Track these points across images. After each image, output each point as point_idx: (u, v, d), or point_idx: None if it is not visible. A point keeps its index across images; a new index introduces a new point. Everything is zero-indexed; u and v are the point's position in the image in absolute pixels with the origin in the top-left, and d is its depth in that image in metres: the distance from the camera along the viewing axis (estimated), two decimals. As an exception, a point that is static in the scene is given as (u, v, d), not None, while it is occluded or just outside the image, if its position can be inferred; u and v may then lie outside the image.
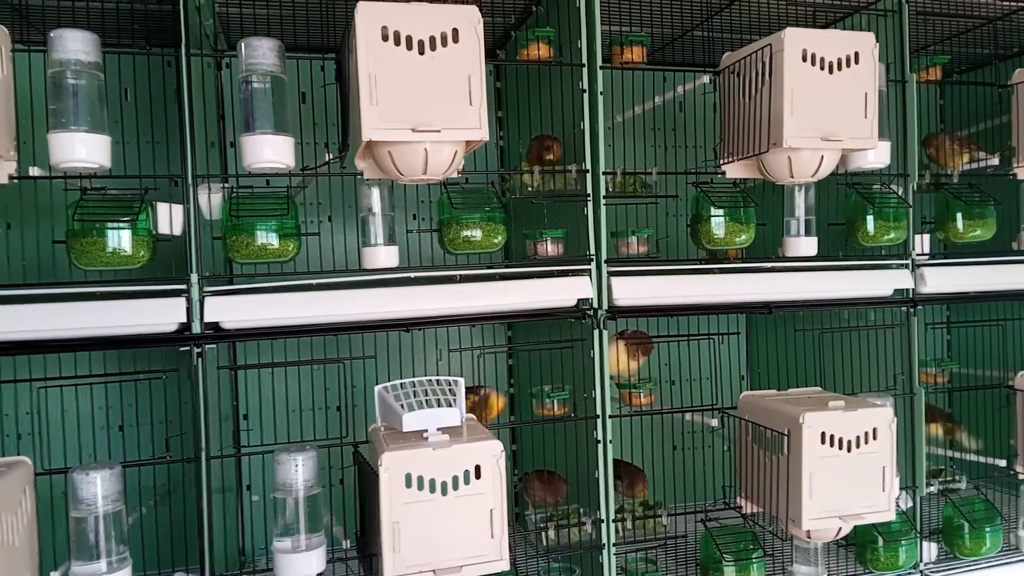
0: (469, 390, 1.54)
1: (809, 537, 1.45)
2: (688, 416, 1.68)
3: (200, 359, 1.31)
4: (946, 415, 1.95)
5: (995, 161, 1.75)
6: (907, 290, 1.66)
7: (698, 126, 1.96)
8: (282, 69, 1.29)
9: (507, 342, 1.99)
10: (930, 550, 1.70)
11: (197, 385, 1.31)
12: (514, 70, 1.86)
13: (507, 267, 1.51)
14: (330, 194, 1.76)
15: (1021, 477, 1.79)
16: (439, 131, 1.19)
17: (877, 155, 1.55)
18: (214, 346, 1.36)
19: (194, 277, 1.30)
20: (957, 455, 1.93)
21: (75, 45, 1.20)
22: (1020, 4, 1.75)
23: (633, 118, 1.69)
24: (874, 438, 1.41)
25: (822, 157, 1.40)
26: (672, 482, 1.83)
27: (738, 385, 2.18)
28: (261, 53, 1.27)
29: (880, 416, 1.41)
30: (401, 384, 1.32)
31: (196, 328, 1.30)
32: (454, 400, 1.30)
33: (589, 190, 1.49)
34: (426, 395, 1.30)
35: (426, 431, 1.25)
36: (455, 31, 1.20)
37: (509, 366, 2.01)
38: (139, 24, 1.48)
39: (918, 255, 1.67)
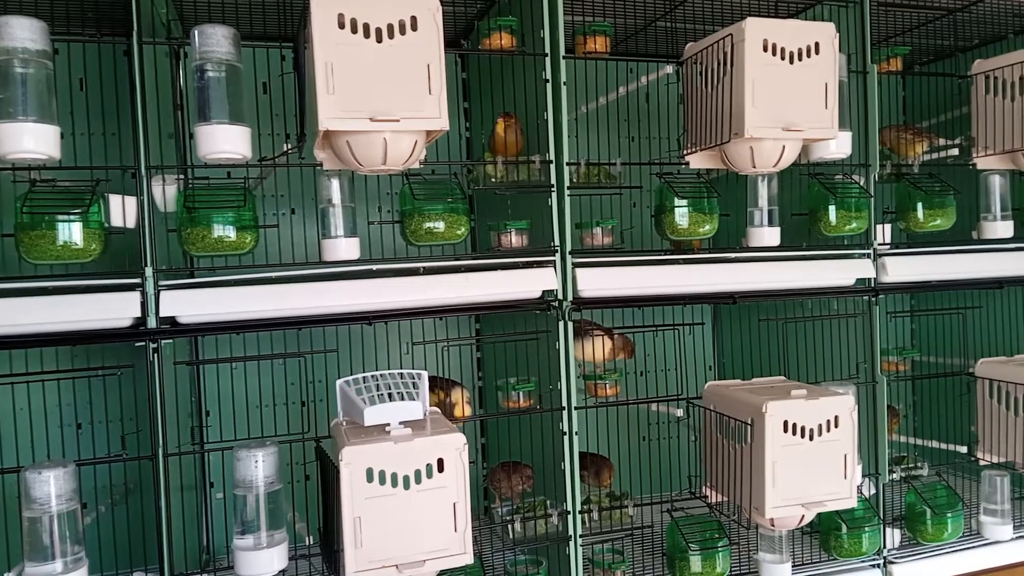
0: (436, 386, 1.53)
1: (773, 525, 1.46)
2: (654, 407, 1.68)
3: (156, 354, 1.28)
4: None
5: (955, 151, 1.77)
6: (869, 279, 1.68)
7: (662, 117, 1.96)
8: (237, 57, 1.26)
9: (475, 334, 1.97)
10: (893, 536, 1.72)
11: (154, 381, 1.28)
12: (480, 60, 1.84)
13: (471, 259, 1.49)
14: (290, 186, 1.73)
15: (982, 463, 1.82)
16: (398, 120, 1.18)
17: (839, 145, 1.56)
18: (171, 341, 1.33)
19: (149, 271, 1.27)
20: (920, 442, 1.96)
21: (22, 33, 1.17)
22: (979, -4, 1.77)
23: (597, 109, 1.68)
24: (836, 426, 1.42)
25: (783, 147, 1.41)
26: (639, 473, 1.83)
27: (706, 375, 2.19)
28: (215, 41, 1.24)
29: (841, 404, 1.43)
30: (363, 378, 1.31)
31: (152, 323, 1.28)
32: (416, 393, 1.28)
33: (553, 181, 1.48)
34: (388, 389, 1.28)
35: (388, 425, 1.24)
36: (413, 19, 1.19)
37: (478, 358, 2.00)
38: (91, 11, 1.44)
39: (879, 244, 1.68)
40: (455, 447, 1.21)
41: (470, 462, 1.92)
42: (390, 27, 1.18)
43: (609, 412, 1.78)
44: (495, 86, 1.72)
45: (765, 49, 1.37)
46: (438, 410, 1.39)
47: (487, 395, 1.95)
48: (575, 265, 1.49)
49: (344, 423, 1.31)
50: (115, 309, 1.24)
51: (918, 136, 1.79)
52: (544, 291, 1.49)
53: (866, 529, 1.65)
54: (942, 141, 1.79)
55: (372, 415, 1.23)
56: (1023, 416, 1.70)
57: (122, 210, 1.26)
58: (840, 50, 1.60)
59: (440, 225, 1.39)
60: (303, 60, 1.27)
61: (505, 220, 1.53)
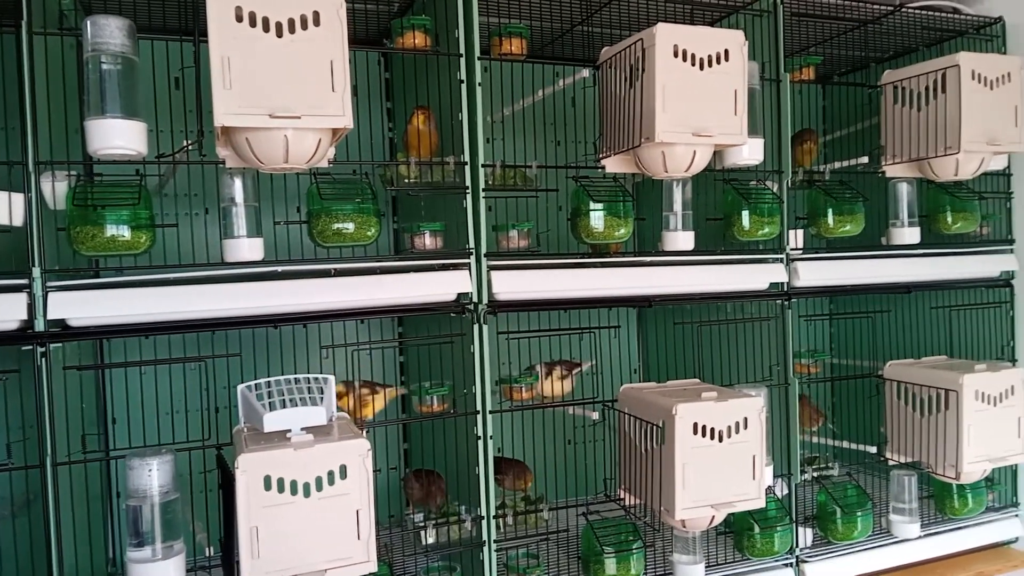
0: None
1: (684, 526, 1.47)
2: (571, 410, 1.68)
3: (44, 359, 1.22)
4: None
5: (865, 159, 1.82)
6: (781, 283, 1.71)
7: (579, 120, 1.96)
8: (133, 50, 1.21)
9: (398, 338, 1.95)
10: (805, 535, 1.76)
11: (41, 387, 1.22)
12: (399, 60, 1.82)
13: (384, 261, 1.47)
14: (192, 185, 1.67)
15: (891, 463, 1.87)
16: (299, 118, 1.15)
17: (751, 152, 1.59)
18: (61, 345, 1.27)
19: (36, 271, 1.21)
20: (831, 443, 2.00)
21: None
22: (889, 8, 1.83)
23: (513, 113, 1.68)
24: (745, 427, 1.44)
25: (694, 152, 1.42)
26: (555, 476, 1.83)
27: (630, 378, 2.20)
28: (109, 32, 1.19)
29: (750, 406, 1.44)
30: (267, 383, 1.27)
31: (39, 326, 1.22)
32: (321, 399, 1.25)
33: (468, 182, 1.47)
34: (291, 394, 1.25)
35: (289, 431, 1.21)
36: (316, 14, 1.16)
37: (401, 363, 1.97)
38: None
39: (792, 249, 1.71)
40: (358, 453, 1.19)
41: (391, 468, 1.92)
42: (291, 21, 1.15)
43: (527, 416, 1.77)
44: (416, 86, 1.70)
45: (676, 55, 1.38)
46: (346, 415, 1.36)
47: (409, 400, 1.92)
48: (490, 268, 1.48)
49: (246, 430, 1.27)
50: (-1, 311, 1.18)
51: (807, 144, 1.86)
52: (459, 294, 1.48)
53: (778, 529, 1.68)
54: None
55: (272, 421, 1.20)
56: (928, 417, 1.75)
57: (8, 208, 1.20)
58: (754, 59, 1.64)
59: (349, 226, 1.36)
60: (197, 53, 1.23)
61: (419, 222, 1.51)
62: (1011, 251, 1.96)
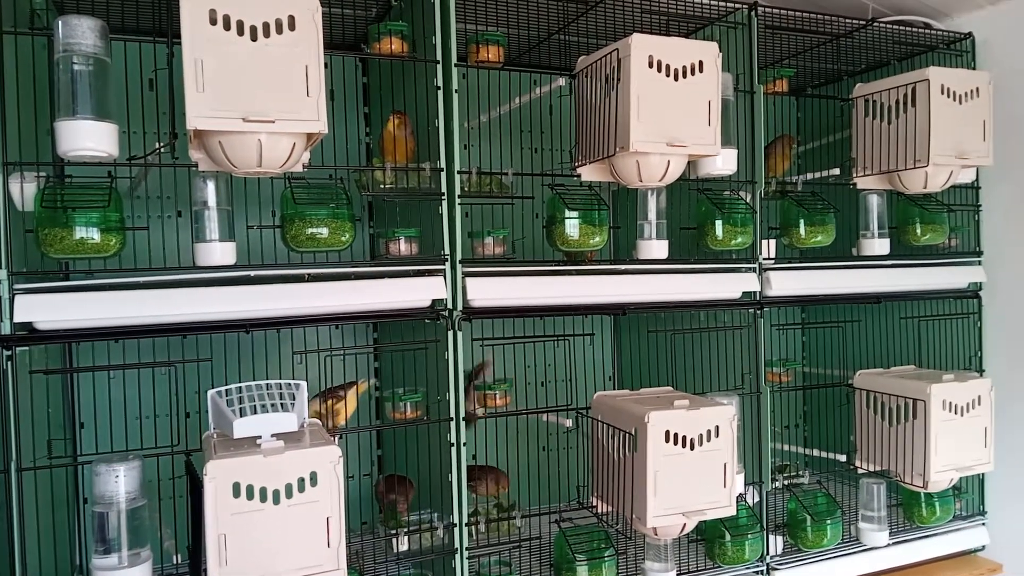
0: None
1: (656, 534, 1.48)
2: (544, 417, 1.68)
3: (10, 363, 1.20)
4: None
5: (836, 171, 1.85)
6: (754, 292, 1.73)
7: (555, 129, 1.97)
8: (105, 51, 1.20)
9: (373, 343, 1.94)
10: (776, 543, 1.77)
11: (6, 391, 1.20)
12: (379, 66, 1.82)
13: (359, 266, 1.46)
14: (166, 188, 1.65)
15: (860, 471, 1.89)
16: (273, 122, 1.14)
17: (725, 162, 1.60)
18: (27, 348, 1.25)
19: (3, 273, 1.19)
20: (805, 451, 2.02)
21: None
22: (862, 23, 1.86)
23: (490, 120, 1.69)
24: (716, 436, 1.45)
25: (668, 162, 1.43)
26: (528, 484, 1.82)
27: (604, 385, 2.21)
28: (80, 32, 1.18)
29: (721, 414, 1.45)
30: (238, 388, 1.26)
31: (6, 329, 1.20)
32: (292, 405, 1.24)
33: (444, 189, 1.47)
34: (263, 400, 1.24)
35: (260, 437, 1.20)
36: (291, 18, 1.16)
37: (375, 368, 1.96)
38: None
39: (764, 259, 1.73)
40: (329, 460, 1.18)
41: (365, 474, 1.91)
42: (266, 25, 1.14)
43: (501, 423, 1.77)
44: (392, 91, 1.70)
45: (651, 65, 1.39)
46: (318, 422, 1.35)
47: (383, 406, 1.92)
48: (465, 274, 1.48)
49: (215, 436, 1.26)
50: (-38, 314, 1.16)
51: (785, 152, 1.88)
52: (434, 300, 1.48)
53: (749, 536, 1.69)
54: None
55: (242, 427, 1.18)
56: (897, 426, 1.78)
57: (-26, 209, 1.19)
58: (728, 71, 1.65)
59: (323, 231, 1.35)
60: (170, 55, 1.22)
61: (394, 227, 1.51)
62: (979, 263, 2.00)
